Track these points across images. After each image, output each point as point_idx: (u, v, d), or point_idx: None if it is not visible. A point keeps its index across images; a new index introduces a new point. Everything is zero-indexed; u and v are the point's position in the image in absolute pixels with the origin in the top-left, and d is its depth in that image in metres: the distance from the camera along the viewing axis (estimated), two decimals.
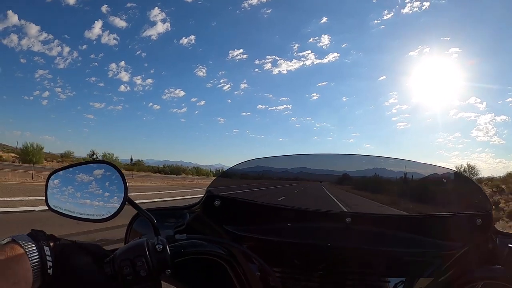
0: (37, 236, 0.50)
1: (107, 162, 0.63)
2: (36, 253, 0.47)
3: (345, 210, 0.79)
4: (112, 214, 0.60)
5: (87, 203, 0.63)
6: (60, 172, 0.67)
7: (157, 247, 0.55)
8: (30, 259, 0.47)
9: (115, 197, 0.61)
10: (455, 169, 0.82)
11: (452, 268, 0.67)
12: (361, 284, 0.71)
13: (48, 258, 0.48)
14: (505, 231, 0.79)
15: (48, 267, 0.48)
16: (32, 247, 0.48)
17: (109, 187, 0.62)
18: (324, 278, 0.71)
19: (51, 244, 0.50)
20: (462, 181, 0.84)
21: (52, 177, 0.67)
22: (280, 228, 0.74)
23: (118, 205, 0.60)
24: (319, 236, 0.74)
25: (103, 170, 0.63)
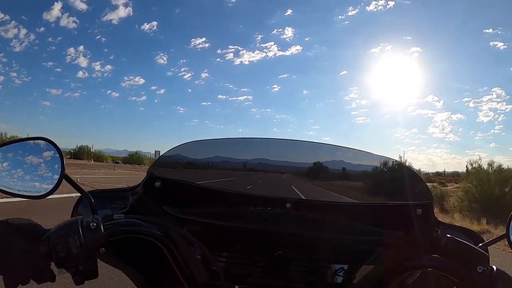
0: None
1: (45, 138, 0.63)
2: None
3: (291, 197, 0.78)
4: (49, 191, 0.60)
5: (25, 179, 0.62)
6: None
7: (91, 224, 0.55)
8: None
9: (53, 174, 0.61)
10: (399, 160, 0.82)
11: (392, 256, 0.68)
12: (304, 271, 0.73)
13: None
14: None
15: None
16: None
17: (46, 164, 0.62)
18: (266, 264, 0.72)
19: None
20: (405, 172, 0.85)
21: None
22: (222, 212, 0.74)
23: (55, 182, 0.60)
24: (261, 221, 0.74)
25: (41, 146, 0.63)
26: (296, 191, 0.85)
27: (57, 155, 0.61)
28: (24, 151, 0.64)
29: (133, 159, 47.25)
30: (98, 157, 41.91)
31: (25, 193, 0.62)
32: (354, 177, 0.92)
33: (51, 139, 0.63)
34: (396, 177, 0.86)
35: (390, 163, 0.85)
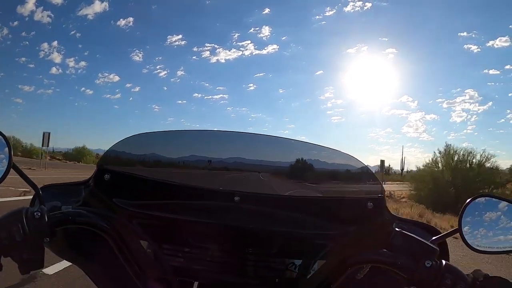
0: None
1: None
2: None
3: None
4: None
5: None
6: None
7: (35, 214, 0.55)
8: None
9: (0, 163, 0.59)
10: (351, 155, 0.84)
11: (343, 250, 0.67)
12: (259, 265, 0.72)
13: None
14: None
15: None
16: None
17: None
18: (220, 258, 0.71)
19: None
20: (358, 166, 0.85)
21: None
22: (171, 205, 0.73)
23: (2, 172, 0.58)
24: (211, 214, 0.73)
25: None
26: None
27: (5, 144, 0.59)
28: None
29: (76, 154, 39.05)
30: (29, 151, 32.64)
31: None
32: (316, 174, 0.90)
33: None
34: (350, 172, 0.87)
35: (347, 159, 0.85)
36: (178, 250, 0.71)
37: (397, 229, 0.63)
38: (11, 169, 0.59)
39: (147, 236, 0.65)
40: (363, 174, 0.84)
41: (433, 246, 0.60)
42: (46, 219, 0.56)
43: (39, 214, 0.55)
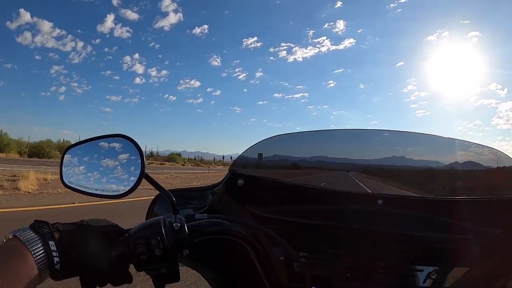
0: (40, 228, 0.46)
1: (123, 135, 0.60)
2: (41, 248, 0.44)
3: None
4: (128, 190, 0.57)
5: (103, 179, 0.60)
6: (76, 148, 0.64)
7: (174, 225, 0.51)
8: (33, 255, 0.43)
9: (132, 172, 0.58)
10: (496, 148, 0.74)
11: (490, 257, 0.63)
12: (393, 272, 0.67)
13: (54, 254, 0.45)
14: None
15: (55, 262, 0.45)
16: (35, 241, 0.44)
17: (125, 162, 0.59)
18: (352, 264, 0.67)
19: (56, 234, 0.47)
20: (505, 162, 0.75)
21: (68, 152, 0.64)
22: (306, 210, 0.70)
23: (134, 181, 0.57)
24: (349, 219, 0.69)
25: (119, 144, 0.60)
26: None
27: (137, 152, 0.58)
28: (101, 149, 0.62)
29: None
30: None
31: (103, 193, 0.59)
32: (438, 172, 0.82)
33: (129, 136, 0.60)
34: (494, 167, 0.78)
35: (483, 151, 0.77)
36: (311, 257, 0.67)
37: None
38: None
39: (284, 242, 0.60)
40: (508, 168, 0.75)
41: None
42: (186, 231, 0.52)
43: (179, 225, 0.51)
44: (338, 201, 0.70)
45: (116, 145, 0.60)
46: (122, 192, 0.57)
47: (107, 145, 0.61)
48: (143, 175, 0.56)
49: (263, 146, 0.78)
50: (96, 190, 0.60)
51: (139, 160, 0.57)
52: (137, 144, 0.58)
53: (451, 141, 0.79)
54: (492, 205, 0.68)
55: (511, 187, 0.77)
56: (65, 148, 0.65)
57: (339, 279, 0.67)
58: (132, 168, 0.58)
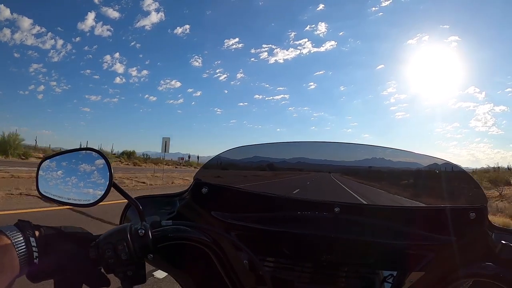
0: (23, 226, 0.52)
1: (94, 149, 0.65)
2: (23, 243, 0.50)
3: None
4: (98, 199, 0.62)
5: (75, 189, 0.65)
6: (50, 159, 0.69)
7: (139, 231, 0.57)
8: (16, 249, 0.49)
9: (101, 183, 0.63)
10: (449, 161, 0.79)
11: (444, 263, 0.65)
12: (353, 276, 0.71)
13: (34, 249, 0.51)
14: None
15: (34, 257, 0.51)
16: (18, 237, 0.50)
17: (95, 173, 0.64)
18: (314, 269, 0.71)
19: (37, 233, 0.53)
20: (457, 173, 0.81)
21: (43, 164, 0.69)
22: (269, 217, 0.73)
23: (103, 190, 0.62)
24: (309, 225, 0.72)
25: (90, 156, 0.65)
26: (350, 191, 0.83)
27: (105, 164, 0.64)
28: (74, 161, 0.67)
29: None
30: None
31: (76, 202, 0.64)
32: (403, 178, 0.90)
33: (98, 149, 0.65)
34: (446, 178, 0.83)
35: (440, 164, 0.82)
36: (274, 261, 0.71)
37: (503, 241, 0.60)
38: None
39: (245, 248, 0.64)
40: (461, 180, 0.81)
41: None
42: (150, 237, 0.57)
43: (143, 232, 0.57)
44: (297, 208, 0.74)
45: (87, 157, 0.66)
46: (93, 201, 0.63)
47: (80, 157, 0.66)
48: (111, 185, 0.62)
49: (228, 156, 0.82)
50: (68, 199, 0.65)
51: (108, 172, 0.63)
52: (105, 157, 0.64)
53: (409, 153, 0.83)
54: (445, 213, 0.70)
55: (463, 196, 0.80)
56: (40, 160, 0.70)
57: (301, 282, 0.71)
58: (102, 179, 0.63)
